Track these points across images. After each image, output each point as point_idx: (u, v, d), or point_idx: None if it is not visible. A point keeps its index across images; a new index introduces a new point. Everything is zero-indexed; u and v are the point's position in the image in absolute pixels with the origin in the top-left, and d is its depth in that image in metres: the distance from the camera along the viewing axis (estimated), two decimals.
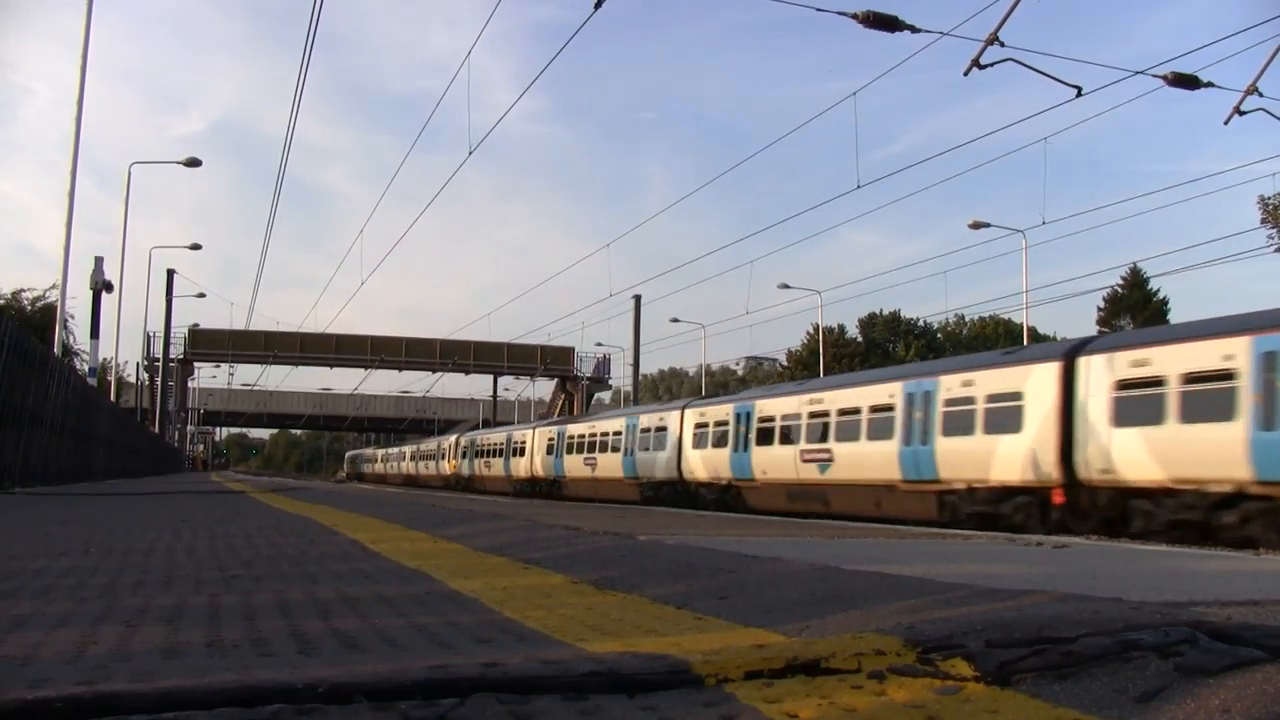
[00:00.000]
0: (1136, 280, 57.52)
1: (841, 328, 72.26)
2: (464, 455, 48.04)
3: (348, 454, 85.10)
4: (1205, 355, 13.63)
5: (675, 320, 56.27)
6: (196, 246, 43.98)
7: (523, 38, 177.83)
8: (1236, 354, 13.12)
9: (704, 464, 25.79)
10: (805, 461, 21.45)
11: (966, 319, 78.73)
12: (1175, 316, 54.48)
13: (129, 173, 35.32)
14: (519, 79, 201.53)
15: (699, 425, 26.46)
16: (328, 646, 2.19)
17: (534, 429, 40.01)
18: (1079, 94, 13.75)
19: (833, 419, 20.86)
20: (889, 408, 19.12)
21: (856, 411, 20.17)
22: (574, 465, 34.59)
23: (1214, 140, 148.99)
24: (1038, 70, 13.12)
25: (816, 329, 58.41)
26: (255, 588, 3.29)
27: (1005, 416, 16.56)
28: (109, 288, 30.50)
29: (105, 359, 41.26)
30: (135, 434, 36.51)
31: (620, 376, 65.37)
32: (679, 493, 26.86)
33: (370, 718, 1.49)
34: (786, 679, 1.73)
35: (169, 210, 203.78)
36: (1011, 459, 16.25)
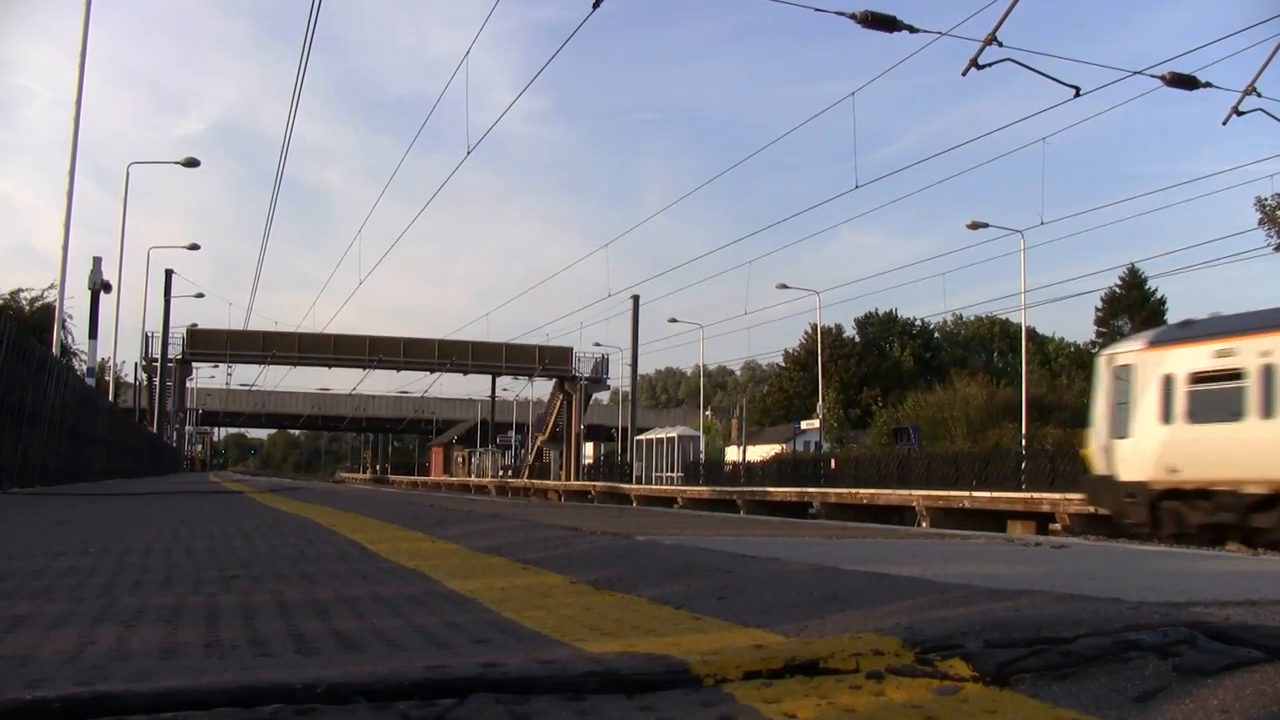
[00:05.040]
0: (1135, 281, 57.67)
1: (839, 328, 72.39)
2: None
3: None
4: None
5: (674, 320, 56.46)
6: (195, 247, 44.10)
7: (522, 38, 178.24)
8: None
9: None
10: None
11: (964, 319, 78.80)
12: (1173, 317, 54.52)
13: (128, 173, 35.53)
14: (518, 79, 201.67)
15: None
16: (326, 647, 2.18)
17: None
18: (1077, 94, 13.77)
19: None
20: None
21: None
22: None
23: (1212, 141, 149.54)
24: (1036, 70, 13.14)
25: (814, 329, 58.47)
26: (253, 588, 3.28)
27: None
28: (107, 288, 30.54)
29: (103, 359, 41.26)
30: (133, 434, 36.48)
31: (618, 377, 65.51)
32: None
33: (369, 718, 1.49)
34: (785, 679, 1.73)
35: (168, 210, 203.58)
36: None
